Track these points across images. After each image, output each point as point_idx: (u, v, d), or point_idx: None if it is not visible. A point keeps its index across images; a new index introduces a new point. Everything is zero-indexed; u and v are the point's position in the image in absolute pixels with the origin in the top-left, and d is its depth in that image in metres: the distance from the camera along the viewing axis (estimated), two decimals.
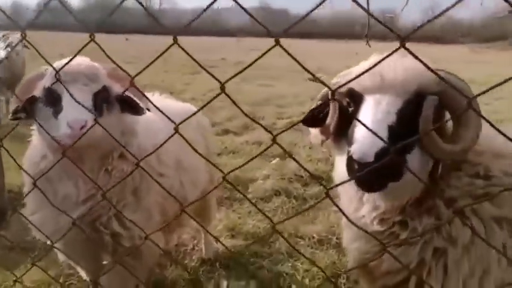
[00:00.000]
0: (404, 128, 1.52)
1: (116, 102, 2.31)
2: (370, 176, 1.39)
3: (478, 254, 1.58)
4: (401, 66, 1.61)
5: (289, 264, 3.75)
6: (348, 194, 1.86)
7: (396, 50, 1.05)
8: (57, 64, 1.98)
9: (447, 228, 1.62)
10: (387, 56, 1.18)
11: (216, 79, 1.27)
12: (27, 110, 2.20)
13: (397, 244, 1.69)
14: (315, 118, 1.87)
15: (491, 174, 1.64)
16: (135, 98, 2.30)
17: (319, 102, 1.90)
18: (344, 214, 1.40)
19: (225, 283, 3.45)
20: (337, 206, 1.36)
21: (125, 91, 2.19)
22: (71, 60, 1.81)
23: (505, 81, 0.98)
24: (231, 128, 8.52)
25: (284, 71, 18.26)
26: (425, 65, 1.11)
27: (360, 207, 1.82)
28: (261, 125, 1.38)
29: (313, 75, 1.19)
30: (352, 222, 1.44)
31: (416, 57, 1.09)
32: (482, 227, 1.58)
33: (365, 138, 1.44)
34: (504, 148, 1.71)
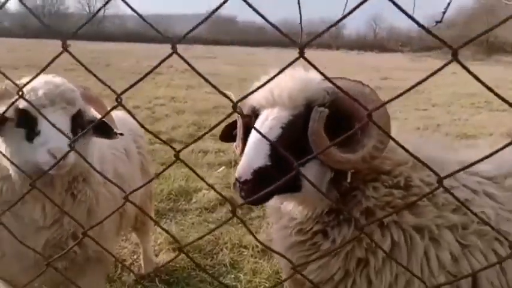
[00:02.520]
0: (295, 142, 1.52)
1: (88, 125, 2.18)
2: (249, 192, 1.44)
3: (399, 266, 1.59)
4: (289, 79, 1.61)
5: (232, 276, 3.69)
6: (270, 206, 1.86)
7: (294, 60, 1.01)
8: (31, 85, 1.89)
9: (367, 239, 1.62)
10: (283, 70, 1.09)
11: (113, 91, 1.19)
12: None
13: (321, 255, 1.69)
14: (229, 134, 1.88)
15: (412, 184, 1.65)
16: (108, 122, 2.24)
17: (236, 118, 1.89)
18: (245, 225, 1.36)
19: None
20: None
21: (103, 116, 2.12)
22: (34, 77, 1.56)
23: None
24: (176, 137, 8.34)
25: (233, 79, 18.24)
26: (321, 73, 1.08)
27: (279, 217, 1.84)
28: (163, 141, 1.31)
29: (218, 89, 1.14)
30: (265, 245, 1.42)
31: (314, 66, 1.05)
32: (402, 236, 1.61)
33: (245, 157, 1.48)
34: (430, 159, 1.75)
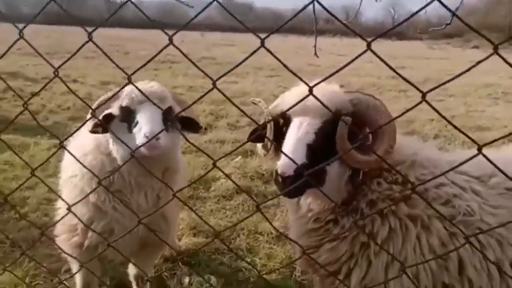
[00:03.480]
0: (324, 144, 1.81)
1: (177, 121, 2.57)
2: (289, 186, 1.69)
3: (396, 247, 1.88)
4: (320, 91, 1.86)
5: (248, 260, 3.99)
6: (289, 200, 2.13)
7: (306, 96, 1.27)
8: (130, 87, 2.28)
9: (369, 226, 1.92)
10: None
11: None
12: (104, 125, 2.42)
13: (331, 239, 1.98)
14: (258, 135, 2.13)
15: (408, 180, 1.92)
16: (195, 118, 2.59)
17: (263, 121, 2.15)
18: (267, 219, 1.64)
19: (187, 279, 3.65)
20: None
21: (181, 111, 2.40)
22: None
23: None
24: None
25: (248, 68, 18.39)
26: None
27: (298, 209, 2.12)
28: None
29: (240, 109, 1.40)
30: (280, 232, 1.68)
31: (319, 102, 1.34)
32: (398, 223, 1.89)
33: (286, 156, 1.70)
34: (426, 159, 2.01)
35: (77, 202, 2.20)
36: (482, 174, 1.98)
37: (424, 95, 1.11)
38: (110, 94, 2.51)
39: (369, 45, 1.12)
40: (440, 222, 1.85)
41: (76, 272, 2.87)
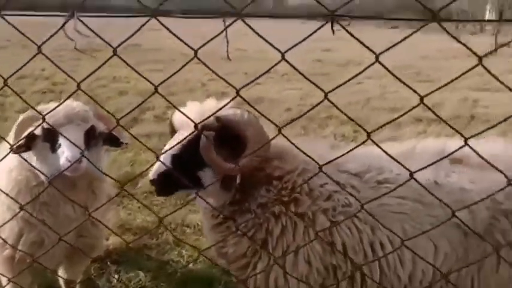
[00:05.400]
0: (191, 154, 2.16)
1: (99, 137, 2.74)
2: (157, 187, 2.20)
3: (287, 242, 2.22)
4: (195, 108, 2.25)
5: (175, 252, 4.21)
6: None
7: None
8: (53, 107, 2.35)
9: (265, 225, 2.24)
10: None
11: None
12: (27, 144, 2.58)
13: (234, 235, 2.29)
14: None
15: (297, 186, 2.23)
16: (115, 133, 2.76)
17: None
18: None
19: (115, 277, 3.80)
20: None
21: (111, 130, 2.68)
22: None
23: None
24: (120, 121, 8.49)
25: (175, 54, 17.91)
26: None
27: (202, 205, 2.44)
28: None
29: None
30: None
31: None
32: (289, 221, 2.22)
33: (157, 163, 2.10)
34: (314, 166, 2.31)
35: (7, 222, 2.45)
36: (360, 170, 2.31)
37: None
38: (30, 114, 2.65)
39: (241, 94, 1.35)
40: (324, 215, 2.19)
41: (6, 286, 2.95)
